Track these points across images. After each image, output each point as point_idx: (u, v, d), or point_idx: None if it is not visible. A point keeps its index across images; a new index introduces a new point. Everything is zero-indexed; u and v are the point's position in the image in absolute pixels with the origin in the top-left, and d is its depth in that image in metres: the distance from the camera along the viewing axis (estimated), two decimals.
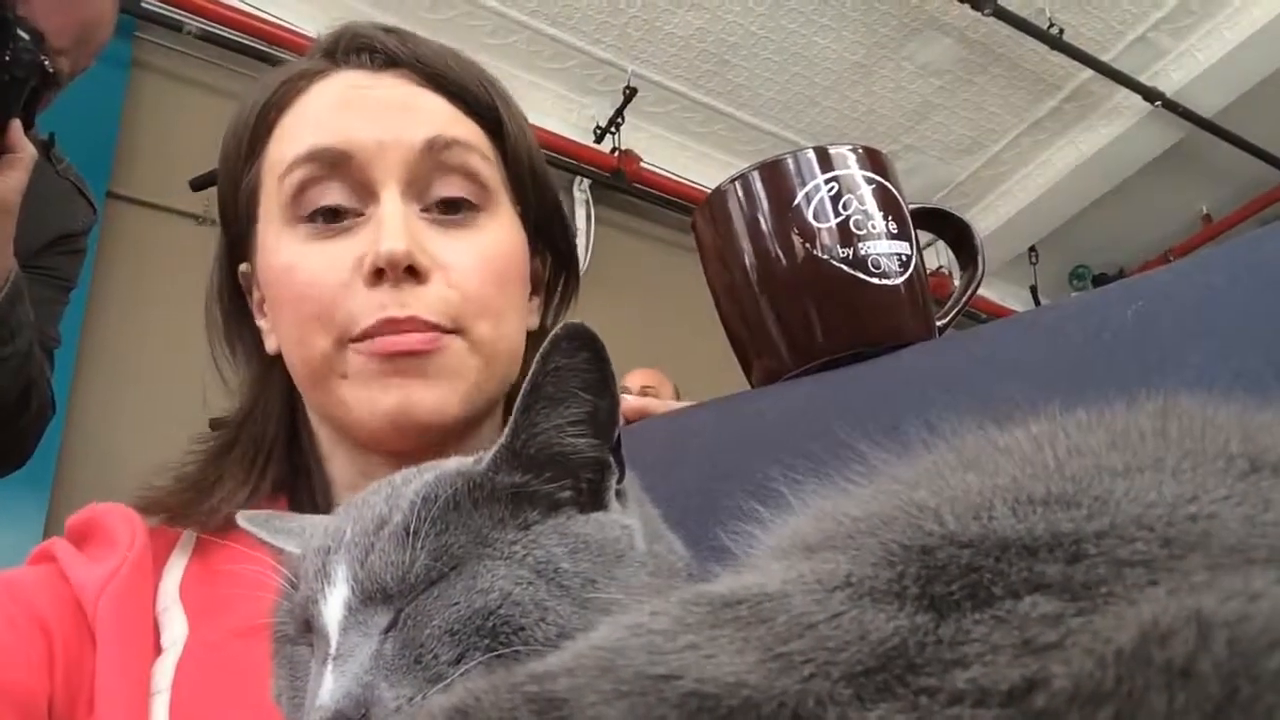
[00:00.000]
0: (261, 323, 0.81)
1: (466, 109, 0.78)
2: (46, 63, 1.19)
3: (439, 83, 0.78)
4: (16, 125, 1.16)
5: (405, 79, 0.77)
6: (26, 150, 1.17)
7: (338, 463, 0.79)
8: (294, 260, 0.73)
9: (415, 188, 0.74)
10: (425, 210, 0.74)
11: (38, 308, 1.36)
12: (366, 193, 0.73)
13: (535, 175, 0.83)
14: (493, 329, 0.75)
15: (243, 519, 0.56)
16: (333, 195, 0.73)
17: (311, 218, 0.73)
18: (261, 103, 0.77)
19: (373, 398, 0.71)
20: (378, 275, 0.70)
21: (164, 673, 0.63)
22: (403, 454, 0.63)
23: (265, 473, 0.77)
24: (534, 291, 0.86)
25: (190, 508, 0.74)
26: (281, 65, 0.83)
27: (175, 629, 0.66)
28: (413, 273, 0.70)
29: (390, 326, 0.70)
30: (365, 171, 0.72)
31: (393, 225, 0.70)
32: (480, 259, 0.75)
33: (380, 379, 0.71)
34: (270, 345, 0.80)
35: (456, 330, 0.72)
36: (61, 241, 1.57)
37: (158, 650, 0.65)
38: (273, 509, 0.62)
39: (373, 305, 0.70)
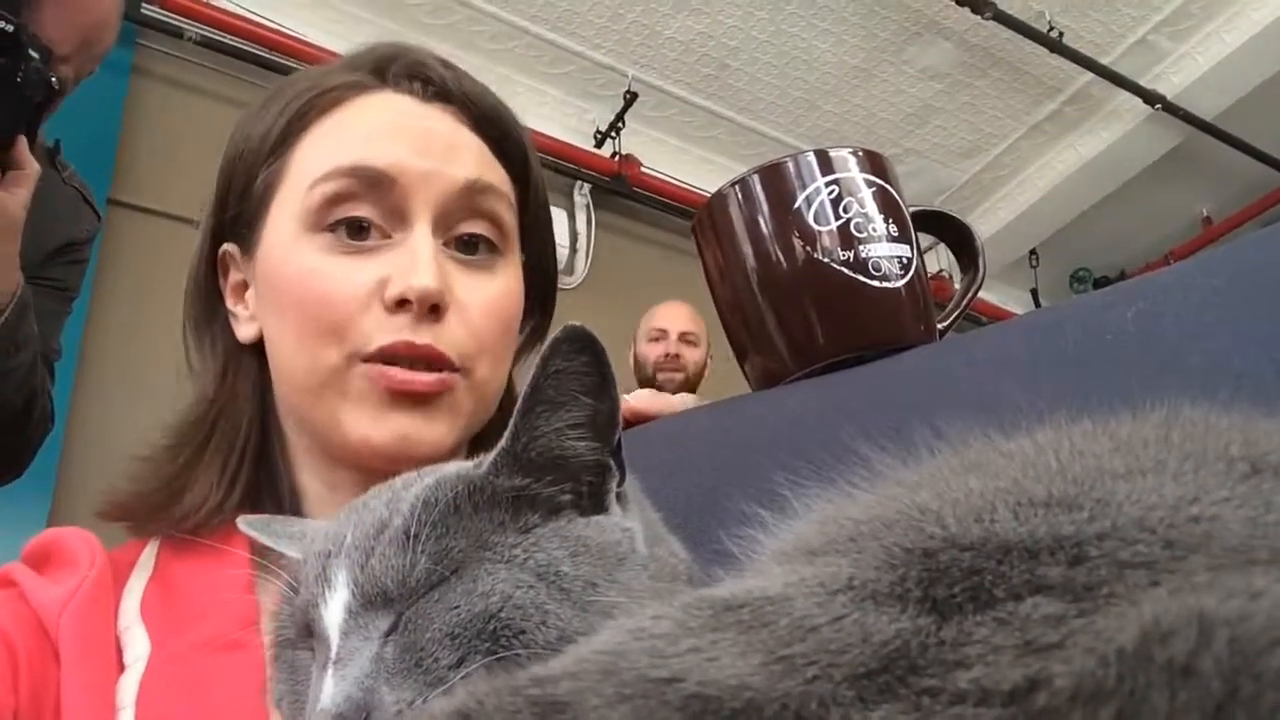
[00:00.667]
0: (237, 308, 0.79)
1: (501, 156, 0.80)
2: (54, 79, 1.20)
3: (482, 125, 0.79)
4: (23, 142, 1.17)
5: (453, 115, 0.78)
6: (32, 166, 1.18)
7: (306, 473, 0.78)
8: (313, 268, 0.72)
9: (444, 223, 0.74)
10: (446, 245, 0.75)
11: (40, 319, 1.36)
12: (398, 218, 0.73)
13: (542, 226, 0.86)
14: (490, 371, 0.76)
15: (243, 523, 0.56)
16: (363, 211, 0.73)
17: (334, 227, 0.73)
18: (301, 101, 0.77)
19: (371, 426, 0.71)
20: (400, 305, 0.70)
21: (128, 689, 0.62)
22: (374, 472, 0.63)
23: (237, 479, 0.76)
24: None
25: (159, 512, 0.73)
26: (323, 68, 0.82)
27: (137, 646, 0.65)
28: (434, 309, 0.71)
29: (408, 349, 0.70)
30: (404, 199, 0.73)
31: (426, 260, 0.71)
32: (492, 302, 0.76)
33: (382, 409, 0.71)
34: (244, 333, 0.78)
35: (462, 368, 0.73)
36: (66, 250, 1.58)
37: (121, 667, 0.64)
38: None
39: (391, 328, 0.70)
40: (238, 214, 0.78)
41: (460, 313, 0.73)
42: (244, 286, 0.79)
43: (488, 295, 0.76)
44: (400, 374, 0.70)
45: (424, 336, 0.70)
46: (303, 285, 0.72)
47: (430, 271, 0.70)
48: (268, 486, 0.78)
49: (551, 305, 0.91)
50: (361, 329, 0.71)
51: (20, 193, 1.17)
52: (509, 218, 0.78)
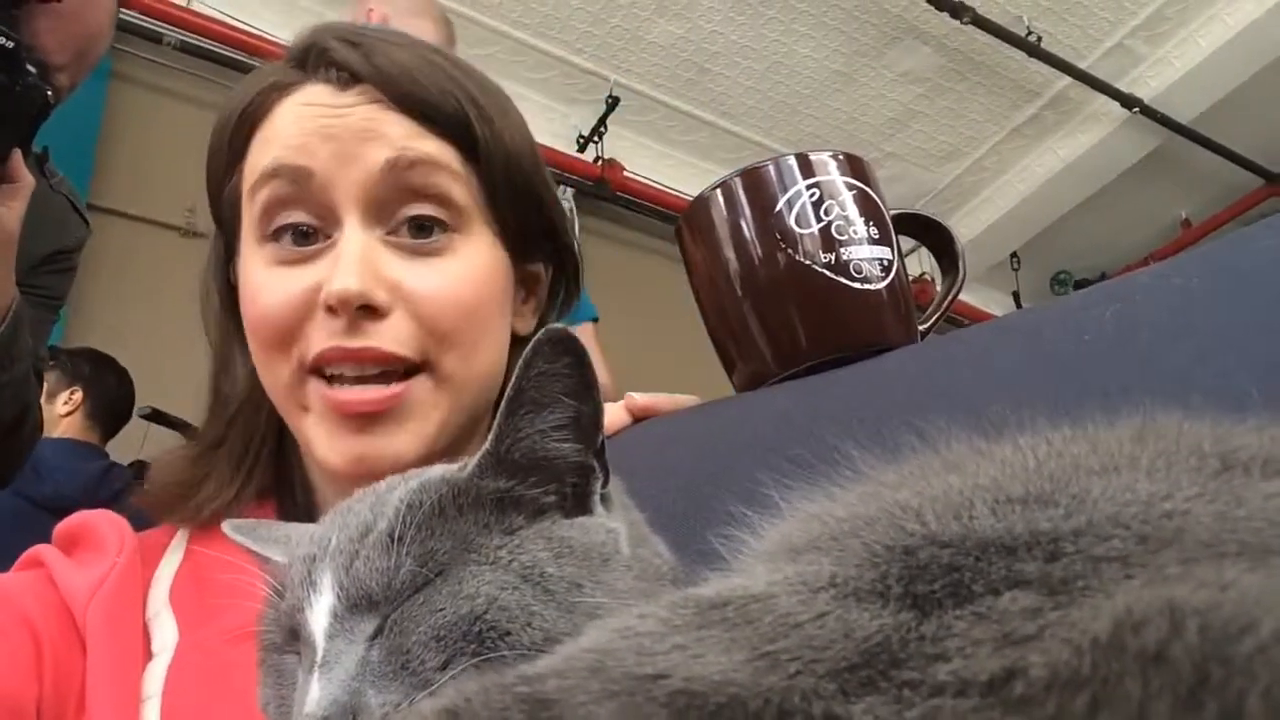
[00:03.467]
0: None
1: (434, 126, 0.74)
2: (50, 93, 1.19)
3: (403, 100, 0.73)
4: (18, 155, 1.17)
5: (369, 97, 0.73)
6: (26, 180, 1.18)
7: (315, 472, 0.78)
8: (259, 283, 0.72)
9: (379, 212, 0.71)
10: (392, 233, 0.72)
11: (30, 329, 1.35)
12: (331, 216, 0.71)
13: (516, 187, 0.78)
14: (462, 362, 0.72)
15: (229, 528, 0.56)
16: (298, 216, 0.71)
17: (278, 236, 0.72)
18: (239, 111, 0.76)
19: (331, 446, 0.70)
20: (332, 310, 0.69)
21: (155, 678, 0.63)
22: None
23: (252, 474, 0.76)
24: (531, 294, 0.84)
25: (176, 504, 0.74)
26: (259, 70, 0.80)
27: (166, 634, 0.65)
28: (369, 310, 0.69)
29: (341, 355, 0.69)
30: (327, 193, 0.70)
31: (348, 261, 0.68)
32: (449, 288, 0.72)
33: (336, 430, 0.70)
34: None
35: (422, 362, 0.71)
36: (54, 259, 1.57)
37: (148, 655, 0.65)
38: (260, 515, 0.62)
39: (326, 332, 0.69)
40: (226, 233, 0.80)
41: (409, 305, 0.70)
42: None
43: (442, 281, 0.72)
44: (343, 394, 0.69)
45: (361, 340, 0.69)
46: (251, 301, 0.73)
47: (351, 273, 0.68)
48: (285, 482, 0.79)
49: (567, 258, 0.86)
50: (304, 337, 0.70)
51: (15, 206, 1.16)
52: (455, 188, 0.74)
